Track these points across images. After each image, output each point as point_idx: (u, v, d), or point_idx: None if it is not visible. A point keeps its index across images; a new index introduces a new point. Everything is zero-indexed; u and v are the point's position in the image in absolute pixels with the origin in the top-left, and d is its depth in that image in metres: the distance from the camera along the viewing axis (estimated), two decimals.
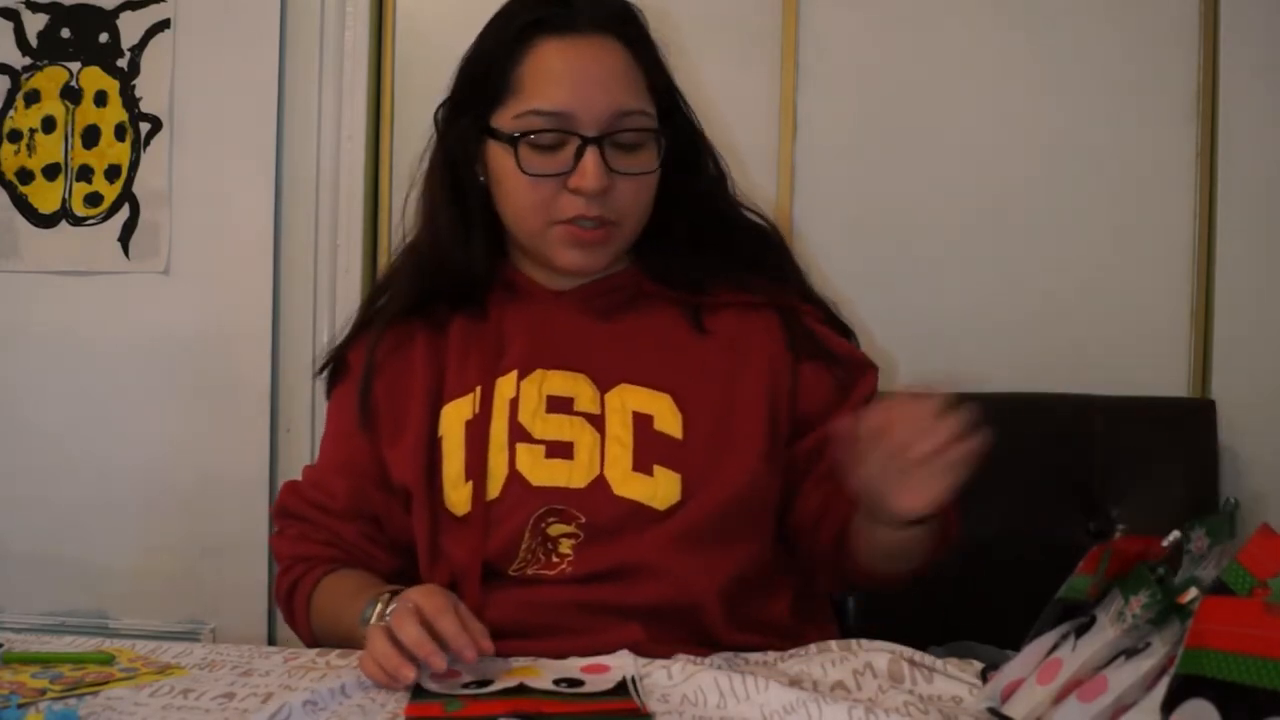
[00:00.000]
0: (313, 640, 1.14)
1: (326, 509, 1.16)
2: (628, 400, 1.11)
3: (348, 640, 1.04)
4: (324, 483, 1.18)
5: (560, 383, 1.13)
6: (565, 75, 1.11)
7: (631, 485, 1.08)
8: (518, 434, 1.10)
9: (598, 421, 1.10)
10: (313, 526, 1.17)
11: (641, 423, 1.10)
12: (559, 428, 1.10)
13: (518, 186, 1.12)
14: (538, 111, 1.10)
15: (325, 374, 1.25)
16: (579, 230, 1.11)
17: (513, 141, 1.11)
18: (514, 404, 1.12)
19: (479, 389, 1.13)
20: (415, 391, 1.15)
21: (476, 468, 1.10)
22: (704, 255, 1.20)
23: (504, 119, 1.12)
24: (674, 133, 1.17)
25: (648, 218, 1.17)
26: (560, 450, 1.09)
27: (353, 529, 1.15)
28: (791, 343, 1.16)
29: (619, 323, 1.17)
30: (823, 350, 1.17)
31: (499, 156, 1.13)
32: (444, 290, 1.18)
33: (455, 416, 1.13)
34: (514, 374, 1.13)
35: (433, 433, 1.13)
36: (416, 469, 1.12)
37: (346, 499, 1.16)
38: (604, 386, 1.13)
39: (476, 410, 1.12)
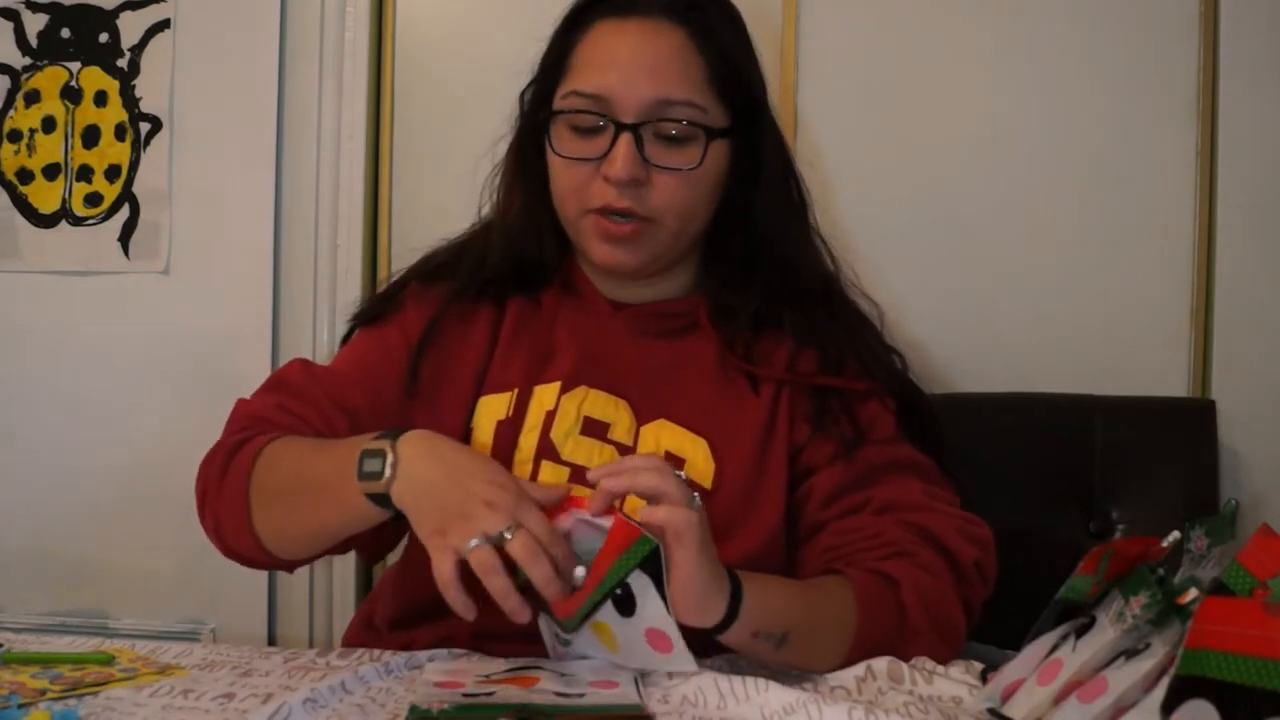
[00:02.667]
0: (242, 507, 1.01)
1: (341, 404, 1.08)
2: (663, 438, 1.09)
3: (305, 490, 0.97)
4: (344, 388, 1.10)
5: (601, 405, 1.10)
6: (610, 58, 1.08)
7: None
8: (546, 451, 1.08)
9: (628, 455, 1.08)
10: (310, 407, 1.09)
11: (672, 465, 1.07)
12: (588, 453, 1.08)
13: (555, 169, 1.11)
14: (578, 92, 1.08)
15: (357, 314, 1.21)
16: (608, 223, 1.08)
17: (552, 121, 1.09)
18: (550, 417, 1.09)
19: (517, 391, 1.10)
20: (463, 374, 1.12)
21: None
22: (764, 297, 1.14)
23: (556, 100, 1.10)
24: (747, 143, 1.12)
25: (697, 224, 1.12)
26: (584, 478, 1.06)
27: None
28: (815, 417, 1.11)
29: (670, 351, 1.14)
30: (841, 437, 1.10)
31: (547, 136, 1.11)
32: (510, 273, 1.16)
33: (489, 412, 1.10)
34: (557, 385, 1.10)
35: (468, 422, 1.10)
36: None
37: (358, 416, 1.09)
38: (643, 418, 1.10)
39: (510, 413, 1.10)
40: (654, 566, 0.88)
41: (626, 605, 0.89)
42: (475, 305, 1.16)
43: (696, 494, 0.91)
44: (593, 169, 1.07)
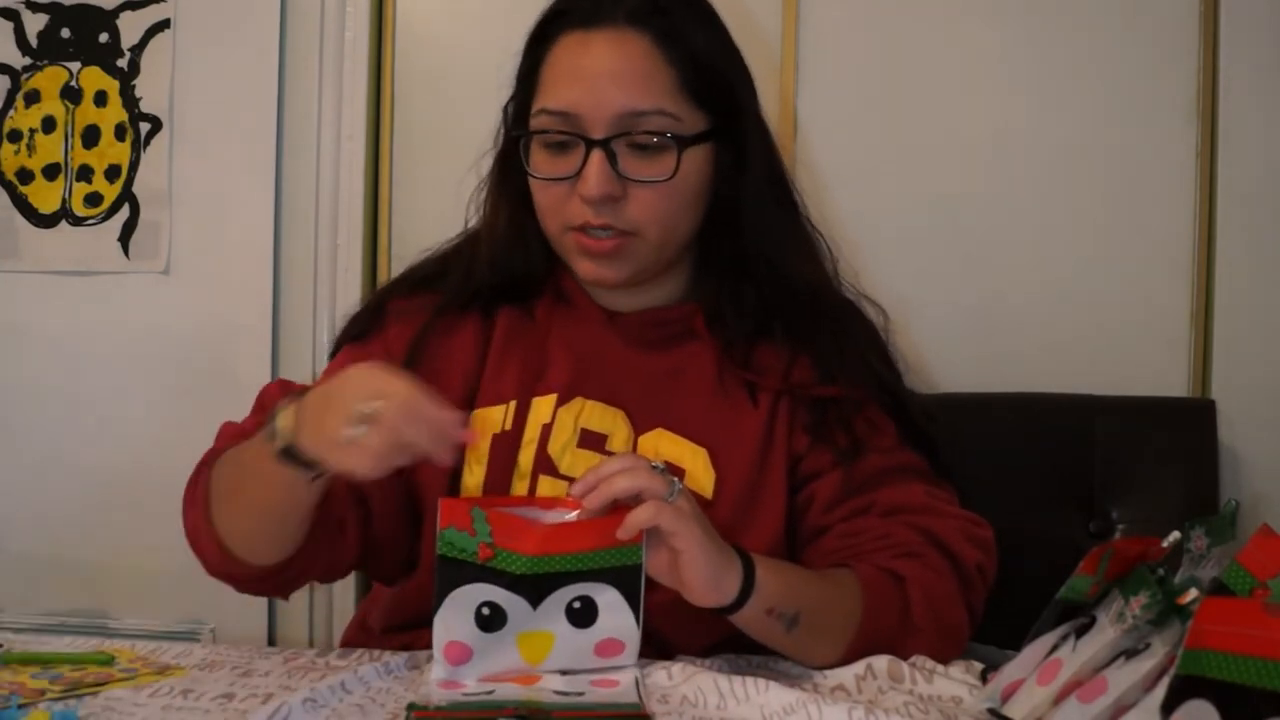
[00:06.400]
0: (204, 515, 1.02)
1: None
2: (662, 448, 1.08)
3: (242, 477, 0.97)
4: None
5: (598, 416, 1.09)
6: (575, 72, 1.05)
7: None
8: (544, 465, 1.07)
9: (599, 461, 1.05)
10: None
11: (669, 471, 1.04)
12: (586, 466, 1.04)
13: (534, 188, 1.09)
14: (547, 110, 1.05)
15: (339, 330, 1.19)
16: (588, 239, 1.06)
17: (526, 141, 1.07)
18: (547, 430, 1.08)
19: (514, 404, 1.09)
20: (450, 388, 1.09)
21: (497, 488, 1.06)
22: (757, 302, 1.12)
23: (529, 119, 1.08)
24: (732, 143, 1.10)
25: (682, 232, 1.10)
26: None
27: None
28: (814, 427, 1.10)
29: (666, 360, 1.12)
30: (840, 447, 1.09)
31: (526, 158, 1.08)
32: (498, 285, 1.14)
33: (484, 425, 1.08)
34: (553, 397, 1.09)
35: None
36: (443, 472, 1.06)
37: None
38: (640, 428, 1.09)
39: (508, 427, 1.08)
40: (629, 583, 0.90)
41: (585, 618, 0.91)
42: (461, 318, 1.14)
43: (675, 479, 0.92)
44: (569, 187, 1.05)
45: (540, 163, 1.07)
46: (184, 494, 1.07)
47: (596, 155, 1.03)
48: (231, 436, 1.07)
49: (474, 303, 1.14)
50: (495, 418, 1.09)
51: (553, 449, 1.07)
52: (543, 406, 1.09)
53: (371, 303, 1.20)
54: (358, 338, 1.17)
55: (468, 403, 1.11)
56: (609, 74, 1.03)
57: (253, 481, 0.97)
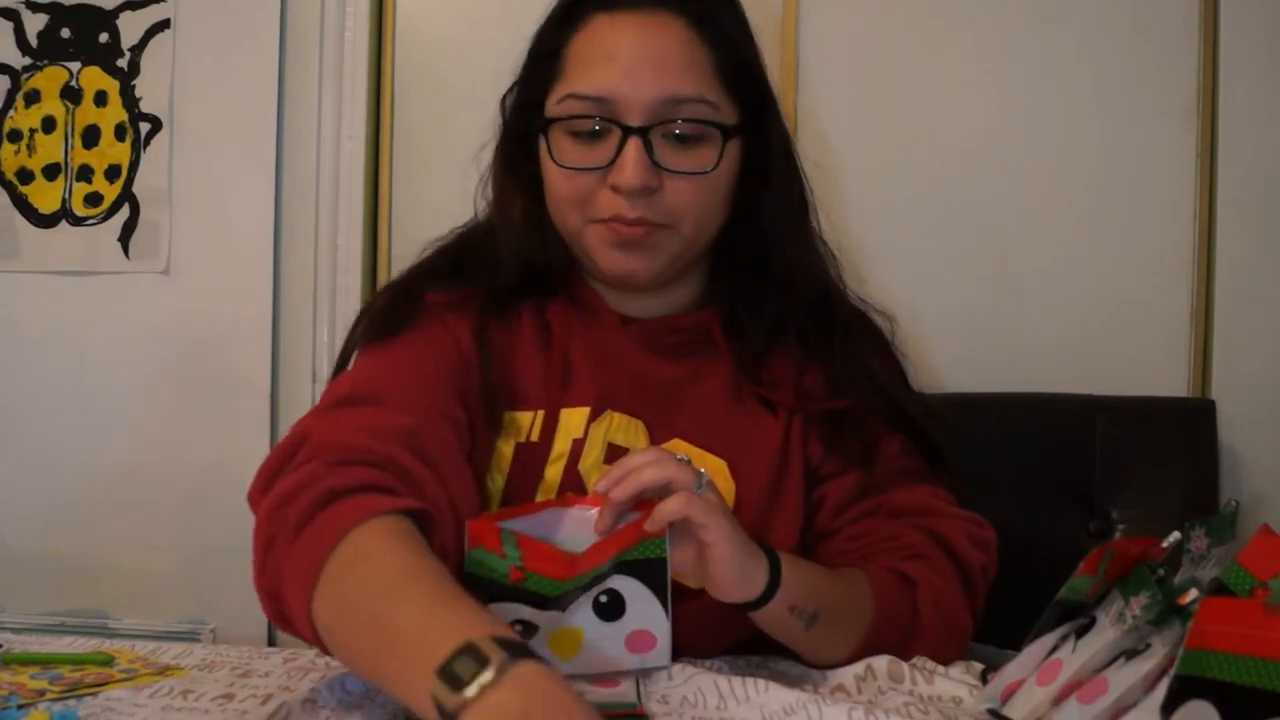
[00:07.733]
0: (307, 586, 0.78)
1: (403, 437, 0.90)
2: None
3: (373, 631, 0.72)
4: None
5: (623, 430, 1.04)
6: (610, 56, 0.97)
7: None
8: (572, 482, 1.02)
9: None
10: (393, 413, 0.91)
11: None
12: None
13: (554, 179, 1.02)
14: (577, 95, 0.98)
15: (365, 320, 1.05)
16: (619, 225, 0.99)
17: (549, 128, 1.00)
18: (579, 446, 1.02)
19: (541, 413, 1.03)
20: (504, 386, 1.04)
21: (517, 498, 1.01)
22: (775, 308, 1.08)
23: (550, 104, 1.01)
24: (755, 139, 1.05)
25: (713, 228, 1.05)
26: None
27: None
28: (827, 438, 1.08)
29: (680, 368, 1.08)
30: (852, 456, 1.07)
31: (543, 145, 1.01)
32: (521, 283, 1.07)
33: (511, 429, 1.03)
34: (585, 411, 1.03)
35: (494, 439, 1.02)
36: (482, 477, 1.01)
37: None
38: (658, 439, 1.04)
39: (534, 437, 1.02)
40: (654, 575, 0.90)
41: (613, 611, 0.91)
42: (503, 314, 1.08)
43: (702, 470, 0.90)
44: (598, 178, 0.99)
45: (566, 151, 1.00)
46: (279, 519, 0.83)
47: (634, 143, 0.97)
48: (327, 446, 0.88)
49: (510, 301, 1.08)
50: (523, 423, 1.03)
51: (583, 466, 1.03)
52: (574, 419, 1.03)
53: (399, 297, 1.06)
54: (390, 335, 1.03)
55: (506, 404, 1.04)
56: (646, 58, 0.97)
57: (383, 654, 0.72)
